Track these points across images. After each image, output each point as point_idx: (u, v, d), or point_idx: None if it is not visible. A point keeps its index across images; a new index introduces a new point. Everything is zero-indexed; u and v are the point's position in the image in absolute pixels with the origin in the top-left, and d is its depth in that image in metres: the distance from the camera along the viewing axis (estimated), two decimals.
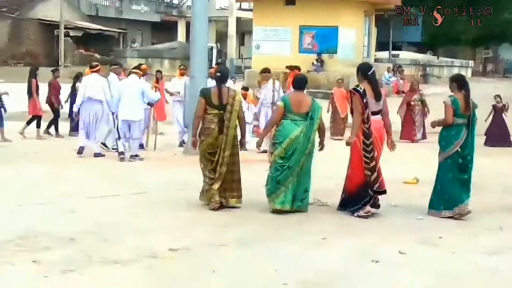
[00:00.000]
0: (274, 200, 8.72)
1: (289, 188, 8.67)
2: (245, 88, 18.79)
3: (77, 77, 17.01)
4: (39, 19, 44.05)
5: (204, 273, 6.27)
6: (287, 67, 13.57)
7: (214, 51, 37.37)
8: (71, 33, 43.91)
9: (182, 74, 16.32)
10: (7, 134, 15.66)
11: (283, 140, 8.70)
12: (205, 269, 6.36)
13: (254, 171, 11.47)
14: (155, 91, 14.94)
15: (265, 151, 14.07)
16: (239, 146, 9.16)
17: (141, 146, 14.35)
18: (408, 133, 18.23)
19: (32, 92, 16.65)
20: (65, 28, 42.46)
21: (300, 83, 9.20)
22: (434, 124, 9.15)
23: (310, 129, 8.70)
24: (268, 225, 8.17)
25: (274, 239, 7.56)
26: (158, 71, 18.44)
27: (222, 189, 8.89)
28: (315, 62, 31.63)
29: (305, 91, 9.55)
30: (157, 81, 16.72)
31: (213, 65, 30.52)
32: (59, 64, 39.78)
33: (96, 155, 13.53)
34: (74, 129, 16.32)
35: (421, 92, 18.83)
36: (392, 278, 6.29)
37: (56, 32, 42.80)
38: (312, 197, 9.14)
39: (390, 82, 32.59)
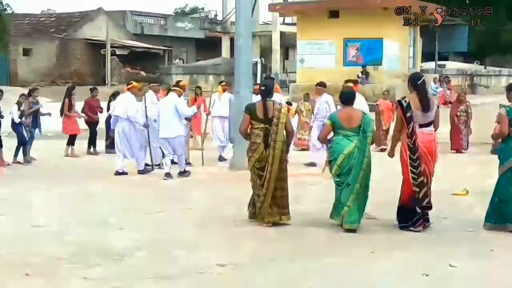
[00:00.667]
0: (342, 220, 8.50)
1: (353, 206, 8.44)
2: (288, 103, 18.70)
3: (114, 96, 17.17)
4: (86, 39, 44.84)
5: None
6: (346, 81, 13.40)
7: (259, 66, 37.41)
8: (118, 52, 44.53)
9: (224, 90, 16.28)
10: (46, 151, 15.84)
11: (337, 156, 8.53)
12: (253, 285, 6.35)
13: (301, 184, 11.45)
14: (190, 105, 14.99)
15: (312, 164, 14.11)
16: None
17: (188, 162, 14.41)
18: (457, 143, 18.01)
19: (64, 112, 16.94)
20: (111, 47, 43.14)
21: (347, 97, 8.98)
22: (494, 137, 8.92)
23: (364, 143, 8.48)
24: (316, 239, 8.14)
25: (323, 253, 7.51)
26: (198, 87, 18.33)
27: (275, 204, 8.80)
28: (360, 75, 31.46)
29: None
30: (196, 96, 16.71)
31: (258, 80, 30.57)
32: (106, 82, 40.36)
33: (140, 172, 13.65)
34: (109, 146, 16.60)
35: (467, 103, 18.56)
36: None
37: (103, 52, 43.52)
38: None
39: (437, 93, 32.23)
